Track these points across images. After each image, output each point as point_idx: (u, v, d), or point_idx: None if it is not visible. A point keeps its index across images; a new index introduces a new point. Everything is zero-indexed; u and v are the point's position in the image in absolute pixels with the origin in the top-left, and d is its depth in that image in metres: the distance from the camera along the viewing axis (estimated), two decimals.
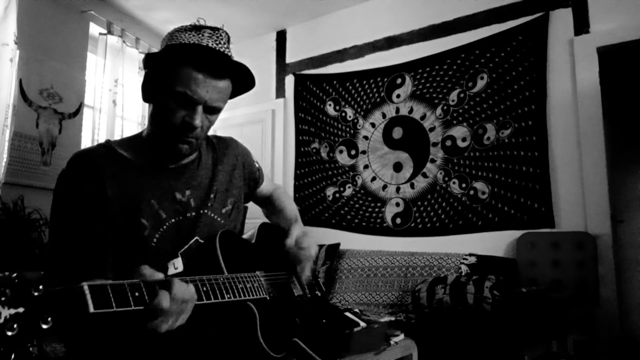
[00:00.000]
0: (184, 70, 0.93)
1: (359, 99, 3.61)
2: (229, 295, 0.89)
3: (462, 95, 3.14)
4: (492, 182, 2.97)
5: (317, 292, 1.25)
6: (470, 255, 2.81)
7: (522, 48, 2.93)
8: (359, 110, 3.60)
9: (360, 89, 3.61)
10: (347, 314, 1.73)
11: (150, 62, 0.99)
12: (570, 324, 2.29)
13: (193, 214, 1.04)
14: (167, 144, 0.99)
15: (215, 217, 1.08)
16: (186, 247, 1.01)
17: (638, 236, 4.00)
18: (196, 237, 1.02)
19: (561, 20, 2.86)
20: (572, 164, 2.75)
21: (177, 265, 0.98)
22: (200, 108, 0.96)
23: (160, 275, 0.75)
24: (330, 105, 3.75)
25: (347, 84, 3.67)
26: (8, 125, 2.76)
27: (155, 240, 0.97)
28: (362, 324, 1.68)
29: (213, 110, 0.99)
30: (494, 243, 2.90)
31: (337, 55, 3.78)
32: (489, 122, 3.02)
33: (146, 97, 1.02)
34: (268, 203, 1.37)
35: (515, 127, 2.91)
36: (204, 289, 0.84)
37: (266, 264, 1.12)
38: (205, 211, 1.06)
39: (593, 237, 2.58)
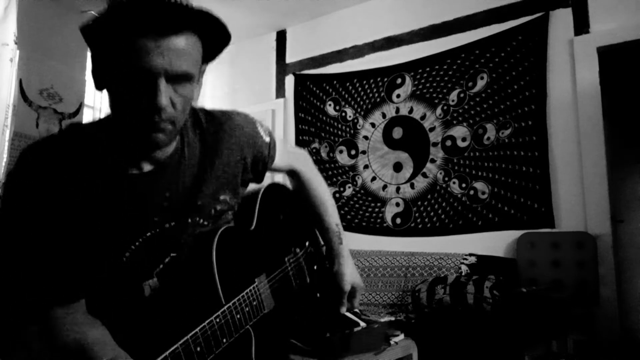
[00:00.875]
0: (126, 37, 0.69)
1: (359, 99, 3.61)
2: (225, 340, 0.80)
3: (462, 95, 3.14)
4: (492, 182, 2.97)
5: (314, 267, 1.24)
6: (470, 255, 2.81)
7: (522, 48, 2.93)
8: (359, 110, 3.60)
9: (360, 89, 3.61)
10: (347, 313, 1.73)
11: (89, 39, 0.75)
12: (570, 324, 2.29)
13: (172, 223, 0.87)
14: (136, 137, 0.78)
15: (203, 221, 0.91)
16: (162, 266, 0.86)
17: (638, 236, 4.00)
18: (172, 254, 0.88)
19: (561, 20, 2.85)
20: (572, 164, 2.75)
21: (153, 287, 0.86)
22: (161, 81, 0.71)
23: None
24: (330, 105, 3.75)
25: (347, 84, 3.67)
26: (8, 125, 2.77)
27: (126, 257, 0.82)
28: (362, 324, 1.68)
29: (180, 79, 0.74)
30: (494, 243, 2.90)
31: (337, 55, 3.78)
32: (489, 122, 3.01)
33: (98, 84, 0.79)
34: (295, 180, 1.22)
35: (515, 127, 2.91)
36: (198, 349, 0.73)
37: (268, 259, 1.06)
38: (189, 219, 0.89)
39: (593, 237, 2.58)
